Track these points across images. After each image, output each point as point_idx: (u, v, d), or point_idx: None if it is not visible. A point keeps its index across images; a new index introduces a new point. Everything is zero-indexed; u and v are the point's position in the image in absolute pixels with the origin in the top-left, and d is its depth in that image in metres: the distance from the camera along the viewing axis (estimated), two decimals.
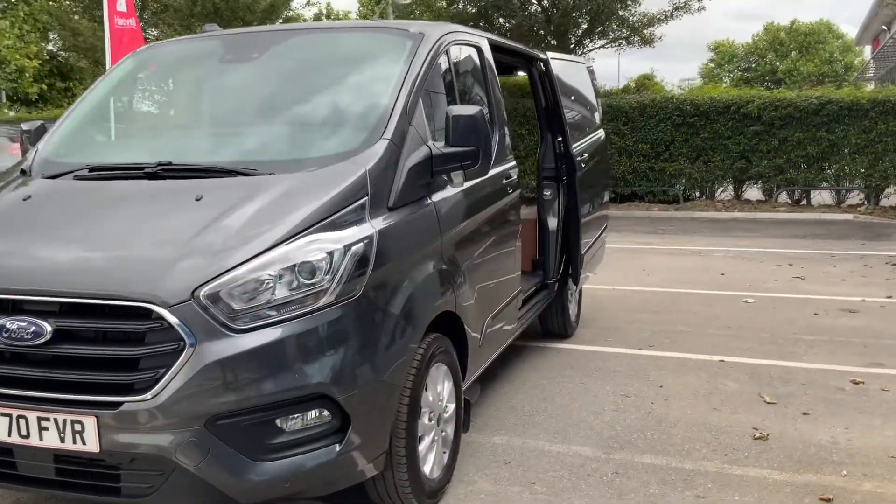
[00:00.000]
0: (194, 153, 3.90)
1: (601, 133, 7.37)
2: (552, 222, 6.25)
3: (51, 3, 27.08)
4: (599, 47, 19.24)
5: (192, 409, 2.85)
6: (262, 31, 4.76)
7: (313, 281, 3.04)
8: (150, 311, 2.86)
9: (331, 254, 3.09)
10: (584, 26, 18.00)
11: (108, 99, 4.58)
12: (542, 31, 17.87)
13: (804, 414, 4.95)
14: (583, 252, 6.38)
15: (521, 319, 5.30)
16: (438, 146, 3.79)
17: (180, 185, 3.46)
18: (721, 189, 17.48)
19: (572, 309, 6.92)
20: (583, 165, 6.33)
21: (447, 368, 3.90)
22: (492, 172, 4.42)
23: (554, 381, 5.70)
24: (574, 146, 6.26)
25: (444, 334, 3.84)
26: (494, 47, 5.27)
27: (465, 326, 4.07)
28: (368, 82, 4.03)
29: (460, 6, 18.11)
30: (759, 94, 17.16)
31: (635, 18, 18.64)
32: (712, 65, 67.06)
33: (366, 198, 3.35)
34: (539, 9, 18.08)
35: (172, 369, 2.84)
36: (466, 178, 3.87)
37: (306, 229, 3.11)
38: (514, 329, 5.09)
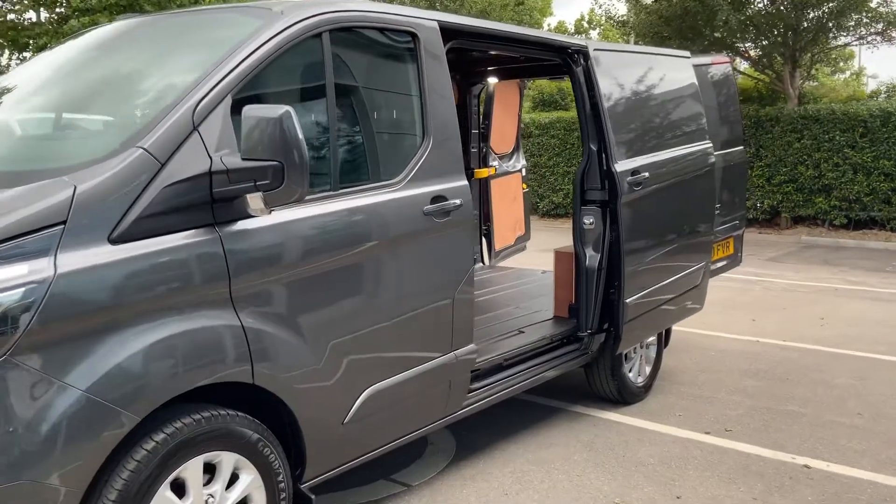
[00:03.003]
0: None
1: (706, 146, 5.74)
2: (591, 258, 4.87)
3: None
4: (839, 46, 16.25)
5: None
6: (140, 18, 4.02)
7: None
8: None
9: None
10: (820, 18, 15.22)
11: None
12: (769, 27, 15.42)
13: None
14: (636, 299, 4.91)
15: (472, 394, 4.05)
16: (232, 160, 2.78)
17: None
18: None
19: (636, 369, 5.43)
20: (636, 187, 4.87)
21: (256, 472, 2.90)
22: (374, 198, 3.32)
23: (545, 467, 4.36)
24: (629, 162, 4.83)
25: (260, 418, 2.91)
26: (468, 33, 4.10)
27: (291, 406, 3.02)
28: (172, 76, 3.12)
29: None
30: None
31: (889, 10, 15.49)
32: None
33: (60, 226, 2.46)
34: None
35: None
36: (276, 203, 2.81)
37: None
38: (440, 413, 3.86)
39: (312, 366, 3.08)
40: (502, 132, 7.37)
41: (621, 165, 4.80)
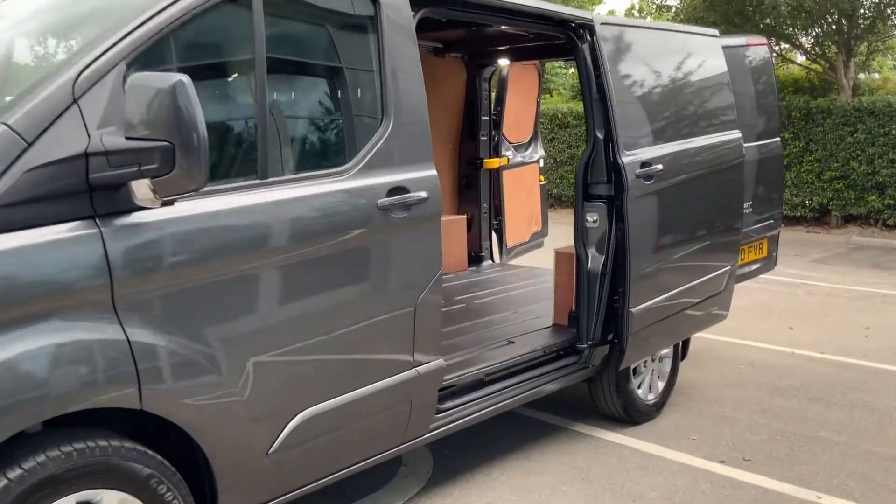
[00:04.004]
0: None
1: (734, 137, 5.12)
2: (594, 260, 4.31)
3: None
4: None
5: None
6: None
7: None
8: None
9: None
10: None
11: None
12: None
13: None
14: (644, 307, 4.34)
15: (443, 415, 3.54)
16: (113, 140, 2.30)
17: None
18: None
19: (647, 385, 4.85)
20: (647, 181, 4.28)
21: None
22: (313, 189, 2.82)
23: (527, 498, 3.83)
24: (640, 153, 4.26)
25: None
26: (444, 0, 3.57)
27: (194, 436, 2.54)
28: (63, 43, 2.65)
29: None
30: None
31: None
32: None
33: None
34: None
35: None
36: (169, 192, 2.32)
37: None
38: (399, 438, 3.34)
39: (225, 387, 2.60)
40: (517, 120, 6.81)
41: (629, 156, 4.22)
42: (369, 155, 3.05)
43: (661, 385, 4.97)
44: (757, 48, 6.23)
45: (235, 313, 2.62)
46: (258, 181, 2.71)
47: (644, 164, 4.29)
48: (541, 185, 7.17)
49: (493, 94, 6.55)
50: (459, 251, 6.35)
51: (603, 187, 4.29)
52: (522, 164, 6.91)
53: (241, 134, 2.79)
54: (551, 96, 21.73)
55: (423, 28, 5.59)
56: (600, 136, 4.25)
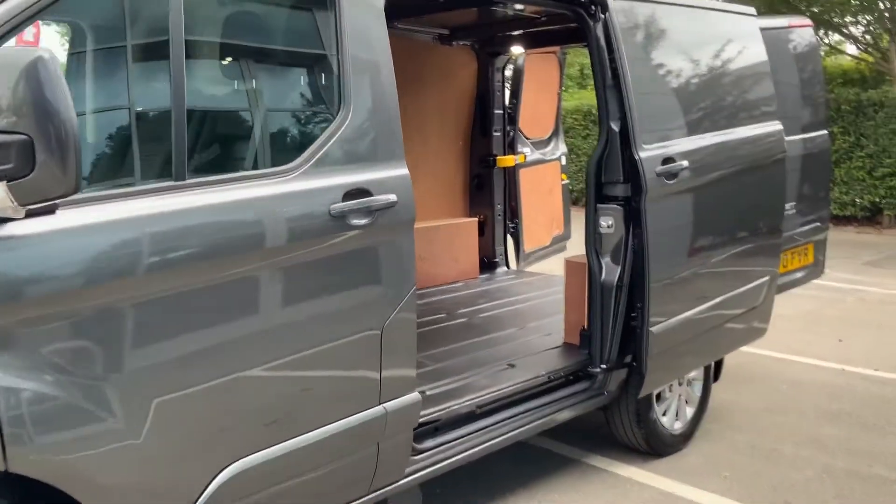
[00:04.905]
0: None
1: (775, 129, 4.49)
2: (608, 272, 3.74)
3: None
4: None
5: None
6: None
7: None
8: None
9: None
10: None
11: None
12: None
13: None
14: (666, 326, 3.76)
15: (422, 456, 3.02)
16: None
17: None
18: None
19: (673, 413, 4.26)
20: (669, 180, 3.70)
21: None
22: (245, 193, 2.31)
23: None
24: (661, 147, 3.69)
25: None
26: None
27: (82, 500, 2.04)
28: None
29: None
30: None
31: None
32: None
33: None
34: None
35: None
36: (32, 198, 1.82)
37: None
38: (364, 487, 2.81)
39: (123, 438, 2.10)
40: (536, 114, 6.26)
41: (649, 151, 3.65)
42: (321, 152, 2.53)
43: (689, 412, 4.37)
44: (801, 30, 5.57)
45: (134, 343, 2.12)
46: (172, 183, 2.21)
47: (666, 161, 3.70)
48: (563, 185, 6.60)
49: (506, 86, 6.00)
50: (470, 257, 5.82)
51: (619, 187, 3.72)
52: (542, 161, 6.35)
53: (148, 126, 2.29)
54: (586, 90, 21.02)
55: (426, 12, 5.17)
56: (615, 128, 3.68)
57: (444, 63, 5.63)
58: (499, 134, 5.93)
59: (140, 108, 2.26)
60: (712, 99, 4.14)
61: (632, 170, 3.63)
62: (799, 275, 5.50)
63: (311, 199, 2.48)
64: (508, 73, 6.04)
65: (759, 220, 4.40)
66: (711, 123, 4.07)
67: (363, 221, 2.59)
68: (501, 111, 5.94)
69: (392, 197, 2.67)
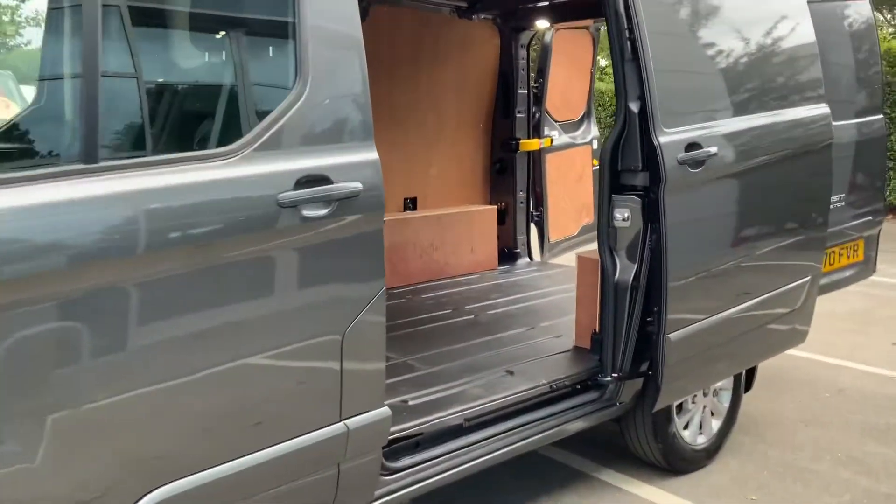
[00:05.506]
0: None
1: (821, 112, 4.02)
2: (623, 270, 3.35)
3: None
4: None
5: None
6: None
7: None
8: None
9: None
10: None
11: None
12: None
13: None
14: (687, 332, 3.36)
15: (395, 477, 2.68)
16: None
17: None
18: None
19: (695, 426, 3.86)
20: (694, 168, 3.29)
21: None
22: (171, 178, 2.00)
23: None
24: (685, 131, 3.28)
25: None
26: None
27: None
28: None
29: None
30: None
31: None
32: None
33: None
34: None
35: None
36: None
37: None
38: None
39: (11, 463, 1.80)
40: (565, 94, 5.84)
41: (670, 136, 3.23)
42: (270, 131, 2.19)
43: (715, 425, 3.95)
44: (858, 5, 5.04)
45: (24, 353, 1.81)
46: (81, 167, 1.89)
47: (690, 147, 3.29)
48: (595, 171, 6.17)
49: (532, 63, 5.59)
50: (488, 247, 5.45)
51: (637, 176, 3.31)
52: (571, 145, 5.94)
53: (54, 99, 1.98)
54: None
55: None
56: (634, 109, 3.27)
57: (464, 38, 5.26)
58: (523, 115, 5.54)
59: (45, 75, 1.95)
60: (748, 78, 3.69)
61: (650, 156, 3.22)
62: (847, 273, 5.01)
63: (254, 186, 2.15)
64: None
65: (799, 213, 3.95)
66: (746, 105, 3.63)
67: (320, 213, 2.26)
68: (526, 91, 5.55)
69: (356, 185, 2.32)
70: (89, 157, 1.90)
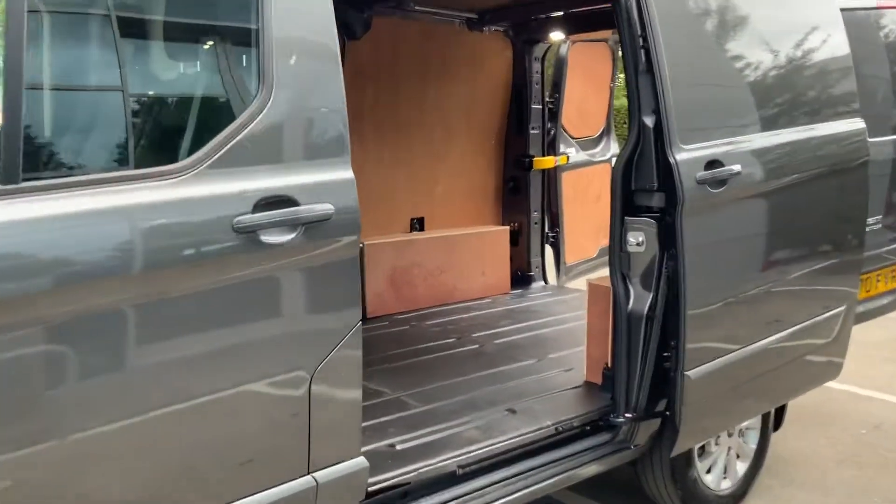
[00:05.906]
0: None
1: (855, 127, 3.70)
2: (637, 300, 3.06)
3: None
4: None
5: None
6: None
7: None
8: None
9: None
10: None
11: None
12: None
13: None
14: (708, 368, 3.06)
15: None
16: None
17: None
18: None
19: (719, 469, 3.54)
20: (715, 189, 2.99)
21: None
22: (109, 200, 1.76)
23: None
24: (704, 148, 2.99)
25: None
26: None
27: None
28: None
29: None
30: None
31: None
32: None
33: None
34: None
35: None
36: None
37: None
38: None
39: None
40: (583, 110, 5.56)
41: (688, 153, 2.95)
42: (227, 146, 1.95)
43: (741, 468, 3.63)
44: (894, 12, 4.73)
45: None
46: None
47: (711, 164, 2.99)
48: None
49: (547, 78, 5.32)
50: (500, 270, 5.17)
51: (652, 196, 3.02)
52: (589, 163, 5.65)
53: None
54: None
55: None
56: (648, 123, 2.99)
57: (475, 51, 5.01)
58: (537, 132, 5.26)
59: None
60: (776, 91, 3.40)
61: (666, 175, 2.93)
62: (885, 300, 4.68)
63: (206, 209, 1.90)
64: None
65: (833, 236, 3.63)
66: (774, 120, 3.33)
67: (283, 239, 2.00)
68: (540, 106, 5.27)
69: (327, 207, 2.06)
70: (8, 176, 1.66)
